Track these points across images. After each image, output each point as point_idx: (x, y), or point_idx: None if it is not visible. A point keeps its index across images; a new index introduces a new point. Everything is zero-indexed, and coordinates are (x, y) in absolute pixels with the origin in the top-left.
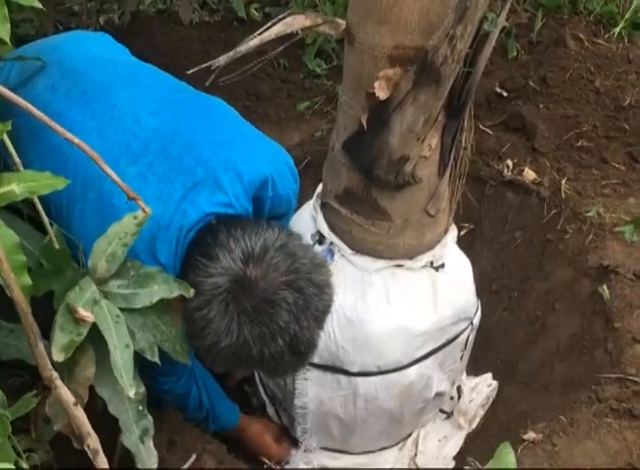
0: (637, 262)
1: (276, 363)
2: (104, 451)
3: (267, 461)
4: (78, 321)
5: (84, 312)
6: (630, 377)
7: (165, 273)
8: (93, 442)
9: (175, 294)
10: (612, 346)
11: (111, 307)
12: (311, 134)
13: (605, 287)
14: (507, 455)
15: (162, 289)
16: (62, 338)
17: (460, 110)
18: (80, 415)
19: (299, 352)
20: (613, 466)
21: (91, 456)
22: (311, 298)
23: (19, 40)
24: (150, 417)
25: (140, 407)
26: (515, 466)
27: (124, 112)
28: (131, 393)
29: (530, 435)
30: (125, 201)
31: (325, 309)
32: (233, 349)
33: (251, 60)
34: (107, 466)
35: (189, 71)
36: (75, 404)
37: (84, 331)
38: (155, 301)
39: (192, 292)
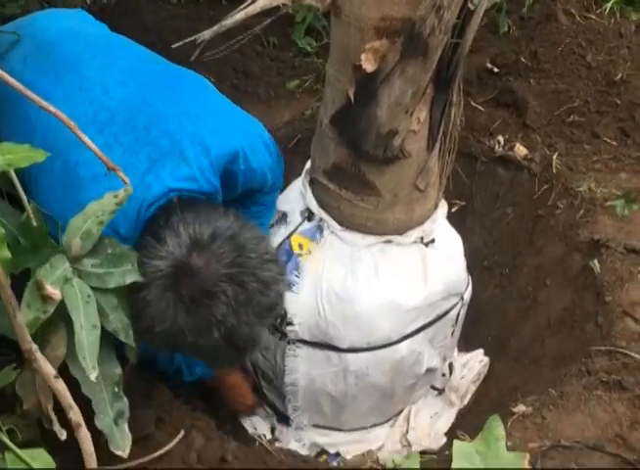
0: (628, 236)
1: (211, 354)
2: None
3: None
4: (46, 298)
5: (52, 289)
6: (620, 350)
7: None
8: (75, 414)
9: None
10: (602, 319)
11: (82, 287)
12: (301, 112)
13: (596, 261)
14: (496, 428)
15: (136, 269)
16: (27, 314)
17: (449, 82)
18: (61, 388)
19: (236, 345)
20: (602, 438)
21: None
22: (254, 293)
23: (5, 19)
24: (125, 399)
25: (116, 389)
26: (504, 438)
27: (93, 82)
28: (93, 375)
29: (520, 408)
30: (104, 172)
31: (270, 307)
32: (167, 335)
33: (238, 36)
34: (89, 439)
35: (174, 45)
36: (56, 377)
37: (51, 309)
38: (127, 281)
39: None
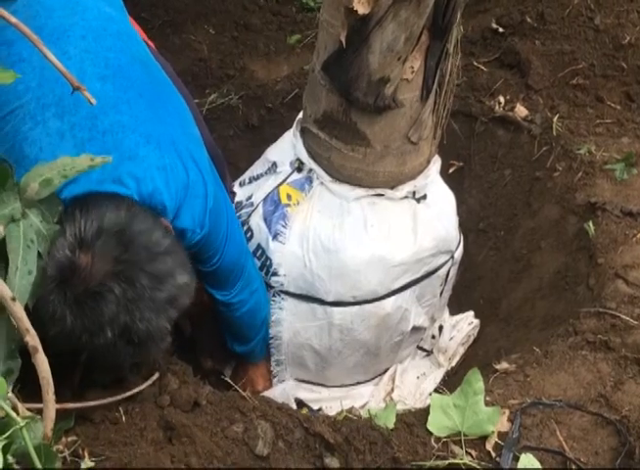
0: (625, 200)
1: (110, 353)
2: (67, 369)
3: None
4: None
5: None
6: (609, 311)
7: None
8: (32, 339)
9: None
10: (593, 281)
11: (28, 230)
12: (301, 67)
13: (590, 223)
14: (476, 382)
15: None
16: None
17: (444, 30)
18: (18, 310)
19: (135, 342)
20: (585, 397)
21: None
22: (145, 290)
23: None
24: (19, 361)
25: (13, 346)
26: (483, 392)
27: (73, 63)
28: None
29: (503, 365)
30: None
31: (169, 300)
32: (62, 338)
33: None
34: (47, 364)
35: None
36: (13, 300)
37: None
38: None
39: None
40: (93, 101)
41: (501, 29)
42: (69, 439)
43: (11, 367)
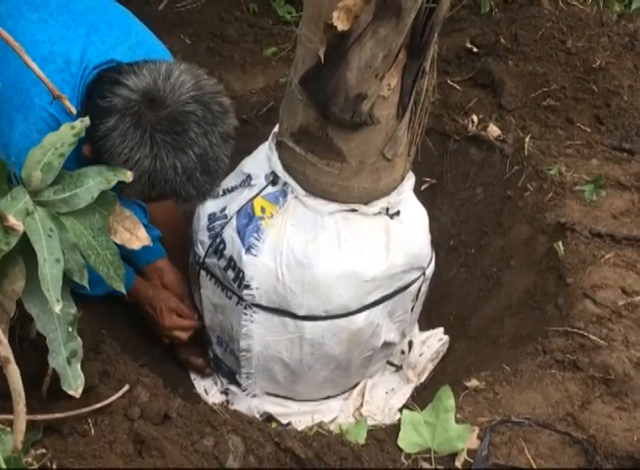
0: (594, 221)
1: (188, 179)
2: (36, 377)
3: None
4: (8, 230)
5: (14, 220)
6: (577, 330)
7: (97, 167)
8: (4, 349)
9: (114, 182)
10: (562, 301)
11: (44, 220)
12: (276, 80)
13: (560, 243)
14: (447, 399)
15: (99, 182)
16: None
17: (422, 49)
18: None
19: (209, 169)
20: (553, 416)
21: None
22: (217, 116)
23: None
24: (79, 340)
25: (70, 329)
26: (454, 409)
27: None
28: (57, 308)
29: (473, 382)
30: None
31: (231, 134)
32: (147, 163)
33: None
34: (18, 376)
35: None
36: None
37: (13, 241)
38: (95, 195)
39: (130, 175)
40: (73, 111)
41: (475, 49)
42: (38, 451)
43: (74, 349)
